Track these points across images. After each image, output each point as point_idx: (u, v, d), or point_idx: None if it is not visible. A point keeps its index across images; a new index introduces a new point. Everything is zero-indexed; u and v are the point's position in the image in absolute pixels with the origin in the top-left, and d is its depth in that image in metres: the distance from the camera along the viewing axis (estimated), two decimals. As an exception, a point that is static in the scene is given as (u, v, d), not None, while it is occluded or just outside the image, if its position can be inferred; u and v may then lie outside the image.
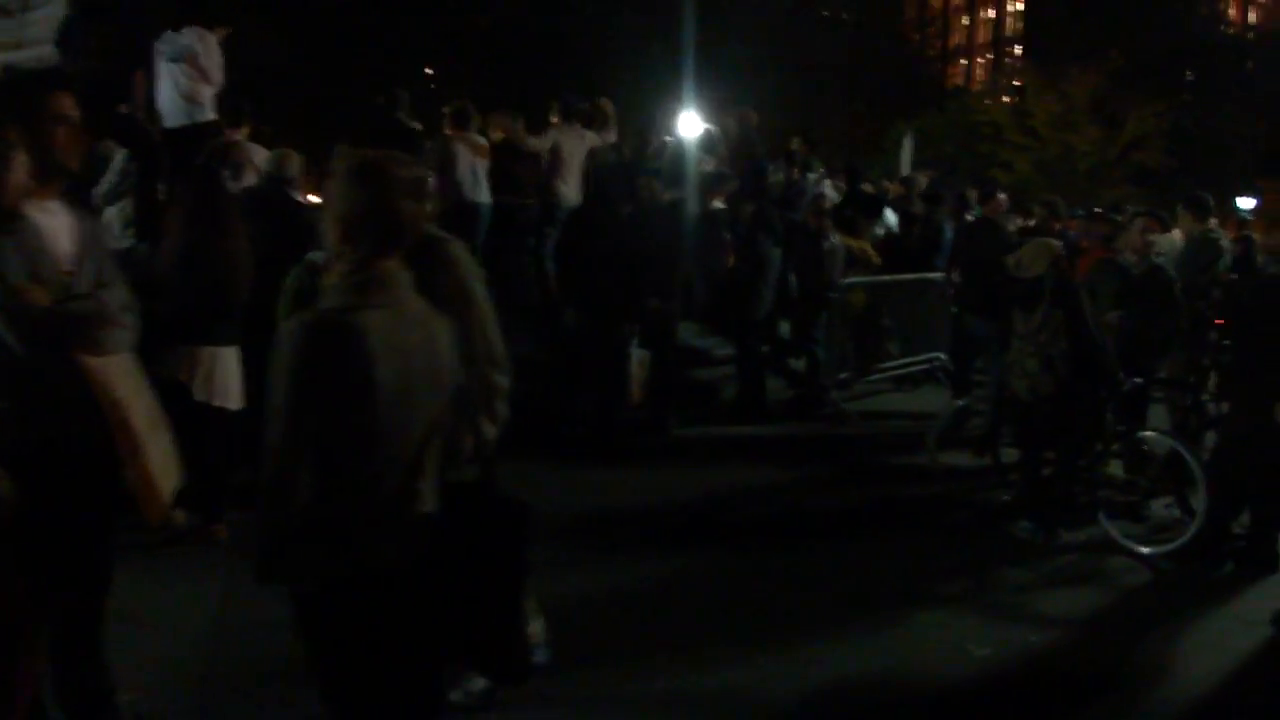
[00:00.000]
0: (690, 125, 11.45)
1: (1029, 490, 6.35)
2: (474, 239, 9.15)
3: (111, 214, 8.24)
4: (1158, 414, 7.22)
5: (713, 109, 15.54)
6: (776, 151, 12.14)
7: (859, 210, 11.06)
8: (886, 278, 10.39)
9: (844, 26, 40.73)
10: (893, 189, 13.63)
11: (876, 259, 10.46)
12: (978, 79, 49.93)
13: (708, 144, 11.47)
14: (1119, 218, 8.25)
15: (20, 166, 2.89)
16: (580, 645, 3.96)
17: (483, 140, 9.20)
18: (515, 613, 2.57)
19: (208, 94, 8.50)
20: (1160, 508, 6.49)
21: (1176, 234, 8.94)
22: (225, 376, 5.33)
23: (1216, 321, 7.06)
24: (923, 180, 13.49)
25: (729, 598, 5.11)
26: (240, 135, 8.18)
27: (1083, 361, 5.92)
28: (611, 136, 9.70)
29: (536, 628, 2.66)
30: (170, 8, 8.58)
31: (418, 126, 8.70)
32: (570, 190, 9.18)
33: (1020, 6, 48.29)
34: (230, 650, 4.16)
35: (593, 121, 9.55)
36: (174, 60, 8.41)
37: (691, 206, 9.85)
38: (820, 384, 9.53)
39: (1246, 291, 6.52)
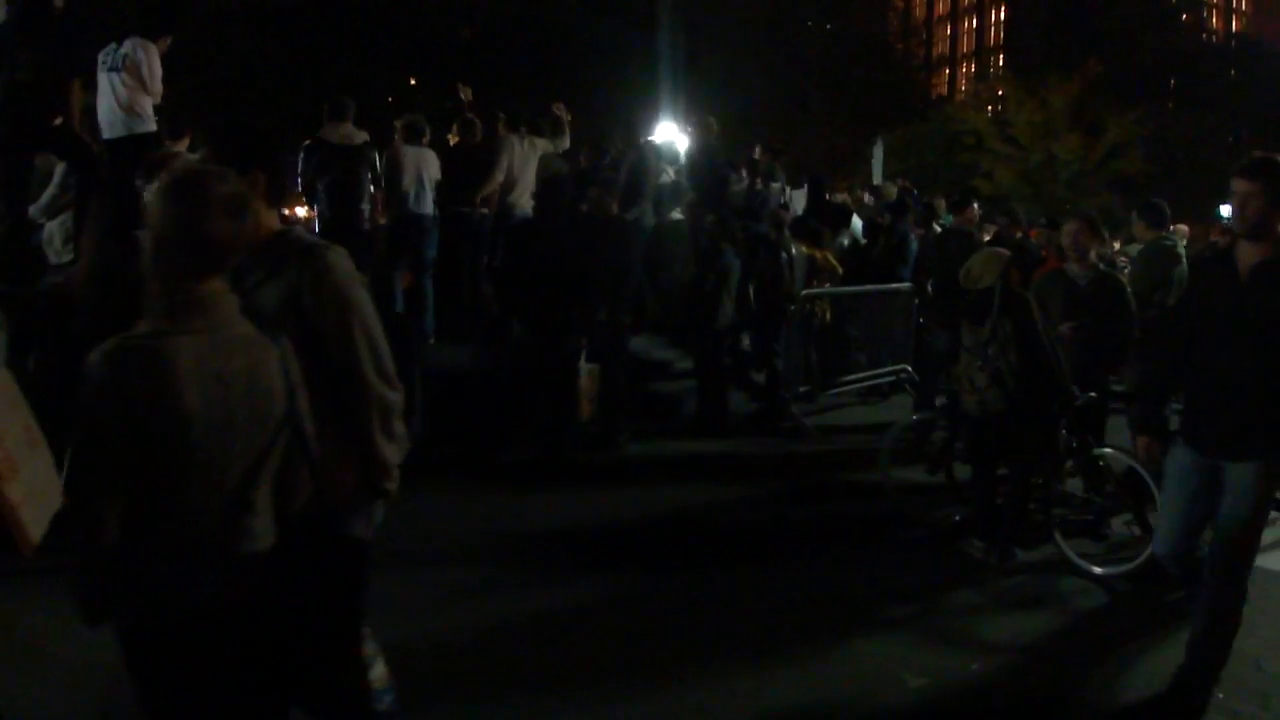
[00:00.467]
0: (668, 134, 11.25)
1: (982, 508, 6.13)
2: (420, 250, 8.97)
3: (53, 228, 8.04)
4: (1119, 427, 7.01)
5: (692, 119, 15.41)
6: (743, 161, 11.96)
7: (823, 220, 10.88)
8: (850, 289, 10.20)
9: (827, 36, 40.68)
10: (860, 199, 13.48)
11: (839, 270, 10.28)
12: (961, 88, 49.97)
13: (671, 154, 11.31)
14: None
15: None
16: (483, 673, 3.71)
17: (432, 154, 9.02)
18: (349, 657, 2.36)
19: (148, 105, 8.29)
20: (1120, 525, 6.30)
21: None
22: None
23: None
24: (892, 190, 13.33)
25: (651, 623, 4.88)
26: (181, 146, 7.96)
27: (1033, 375, 5.70)
28: (565, 144, 9.51)
29: (379, 672, 2.43)
30: (115, 17, 8.40)
31: (365, 137, 8.48)
32: (520, 200, 8.99)
33: (1003, 16, 48.35)
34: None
35: (542, 130, 9.35)
36: (113, 70, 8.21)
37: (649, 218, 9.69)
38: (780, 397, 9.32)
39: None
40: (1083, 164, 30.14)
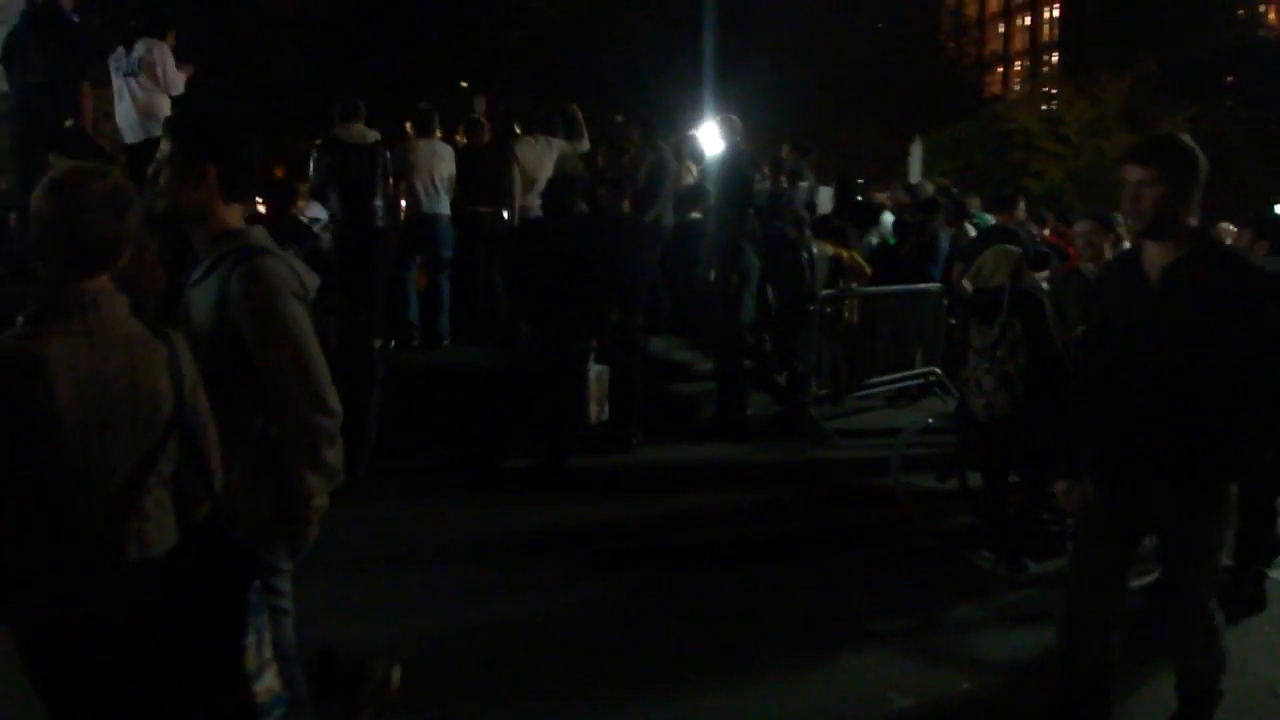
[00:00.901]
0: (711, 138, 11.03)
1: (991, 518, 5.88)
2: (436, 250, 8.90)
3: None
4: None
5: (732, 119, 15.21)
6: (769, 159, 11.73)
7: (850, 219, 10.64)
8: (876, 289, 9.94)
9: (876, 35, 40.14)
10: (895, 198, 13.20)
11: (867, 269, 10.03)
12: (1015, 87, 49.13)
13: (697, 153, 11.13)
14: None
15: None
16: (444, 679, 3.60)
17: (447, 148, 8.94)
18: (229, 669, 2.27)
19: (166, 106, 8.34)
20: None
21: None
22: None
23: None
24: (929, 188, 13.02)
25: (628, 633, 4.74)
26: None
27: (1042, 378, 5.44)
28: (585, 145, 9.38)
29: (266, 684, 2.33)
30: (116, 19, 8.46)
31: (377, 136, 8.43)
32: (536, 201, 8.88)
33: (1057, 14, 47.49)
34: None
35: (556, 130, 9.22)
36: (129, 75, 8.26)
37: (668, 218, 9.54)
38: (801, 400, 9.10)
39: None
40: (1135, 163, 29.36)
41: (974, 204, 11.49)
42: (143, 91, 8.26)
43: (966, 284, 6.27)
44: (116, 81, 8.40)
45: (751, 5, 29.16)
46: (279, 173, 20.62)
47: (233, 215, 2.78)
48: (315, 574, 5.14)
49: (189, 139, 2.74)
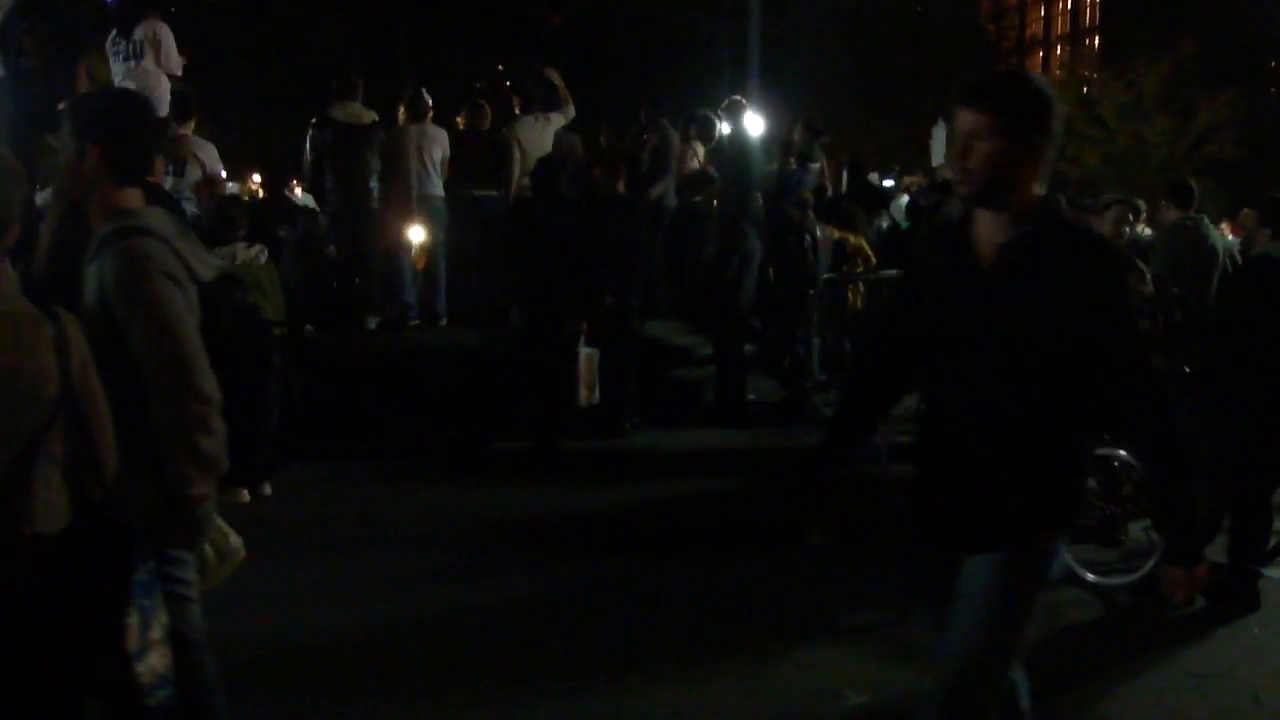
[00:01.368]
0: (753, 121, 10.85)
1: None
2: (431, 232, 8.84)
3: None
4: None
5: (778, 105, 15.10)
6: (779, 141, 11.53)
7: (858, 203, 10.42)
8: (879, 274, 9.71)
9: (916, 18, 39.65)
10: (916, 181, 12.99)
11: (871, 256, 9.79)
12: (1056, 71, 48.32)
13: (703, 133, 10.94)
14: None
15: None
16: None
17: (441, 131, 8.86)
18: (108, 647, 2.23)
19: (166, 89, 8.29)
20: (1139, 532, 5.81)
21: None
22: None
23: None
24: (948, 171, 12.76)
25: (582, 623, 4.67)
26: (187, 129, 7.93)
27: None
28: (571, 112, 9.24)
29: (149, 664, 2.28)
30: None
31: (374, 116, 8.37)
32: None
33: (1098, -5, 46.71)
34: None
35: (546, 102, 9.08)
36: (130, 59, 8.23)
37: (671, 199, 9.41)
38: (803, 386, 8.94)
39: (1239, 282, 5.80)
40: (1172, 148, 28.80)
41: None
42: (144, 75, 8.23)
43: None
44: (116, 66, 8.36)
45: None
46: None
47: (127, 197, 2.73)
48: (287, 556, 5.17)
49: (73, 120, 2.74)
